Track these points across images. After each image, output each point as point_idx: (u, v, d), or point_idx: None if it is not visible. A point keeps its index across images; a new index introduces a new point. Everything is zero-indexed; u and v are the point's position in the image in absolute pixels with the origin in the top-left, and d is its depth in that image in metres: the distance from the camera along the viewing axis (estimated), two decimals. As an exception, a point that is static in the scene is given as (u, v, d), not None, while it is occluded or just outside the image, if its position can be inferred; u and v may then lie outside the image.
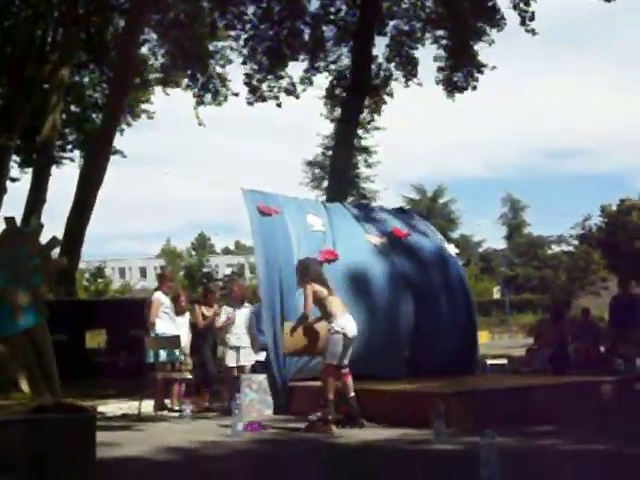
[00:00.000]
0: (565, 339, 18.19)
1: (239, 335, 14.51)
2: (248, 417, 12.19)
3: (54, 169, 30.31)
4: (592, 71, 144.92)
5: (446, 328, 15.37)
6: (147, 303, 14.62)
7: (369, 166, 44.71)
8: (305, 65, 30.27)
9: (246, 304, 15.07)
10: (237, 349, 14.44)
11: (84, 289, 53.13)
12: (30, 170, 29.79)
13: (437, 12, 29.56)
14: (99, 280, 60.07)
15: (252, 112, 34.15)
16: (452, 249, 17.56)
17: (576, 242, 75.46)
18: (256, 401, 13.69)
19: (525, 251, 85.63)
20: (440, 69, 29.87)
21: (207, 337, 14.93)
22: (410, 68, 30.36)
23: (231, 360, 14.41)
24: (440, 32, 29.71)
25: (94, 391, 15.89)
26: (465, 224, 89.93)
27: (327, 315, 11.90)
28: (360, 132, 32.96)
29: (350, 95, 28.42)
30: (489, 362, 17.67)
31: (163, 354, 14.03)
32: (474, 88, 29.59)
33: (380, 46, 30.36)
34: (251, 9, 29.96)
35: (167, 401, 14.33)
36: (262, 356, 15.11)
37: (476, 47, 29.06)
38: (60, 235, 20.96)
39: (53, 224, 20.24)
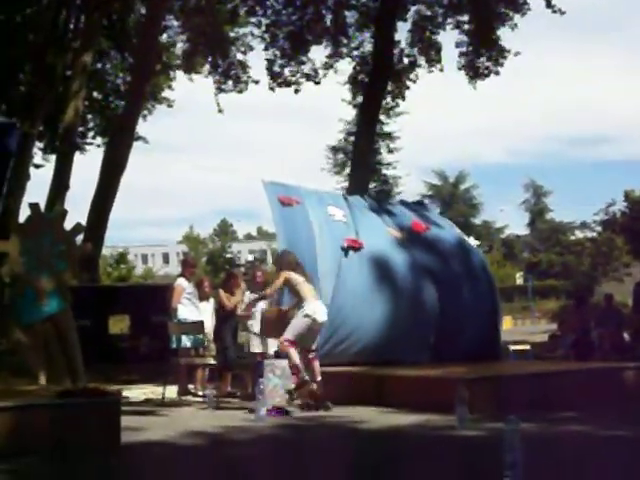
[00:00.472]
0: (588, 325, 18.13)
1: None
2: (271, 402, 12.21)
3: (78, 155, 30.41)
4: (615, 56, 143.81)
5: (470, 315, 15.33)
6: (170, 289, 14.67)
7: (391, 152, 44.60)
8: (328, 51, 30.22)
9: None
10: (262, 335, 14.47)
11: (107, 275, 53.30)
12: (53, 157, 29.89)
13: (459, -3, 29.38)
14: (122, 266, 60.24)
15: (273, 99, 34.22)
16: (472, 241, 17.65)
17: (599, 228, 75.04)
18: (279, 386, 13.70)
19: (547, 237, 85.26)
20: (462, 54, 29.67)
21: (229, 322, 14.95)
22: (433, 53, 30.20)
23: (256, 346, 14.43)
24: (462, 17, 29.54)
25: (117, 376, 15.98)
26: (487, 210, 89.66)
27: (300, 299, 12.50)
28: (383, 117, 32.75)
29: (372, 81, 28.31)
30: (512, 348, 17.62)
31: (186, 340, 14.09)
32: (497, 74, 29.37)
33: (402, 31, 30.25)
34: (273, -5, 29.92)
35: (191, 386, 14.38)
36: None
37: (499, 32, 28.87)
38: (84, 221, 21.06)
39: (77, 210, 20.34)
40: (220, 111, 31.78)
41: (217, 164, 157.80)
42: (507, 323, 38.05)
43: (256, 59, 31.46)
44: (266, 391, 12.07)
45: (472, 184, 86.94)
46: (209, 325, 14.51)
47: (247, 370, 14.53)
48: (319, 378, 12.32)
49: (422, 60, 30.28)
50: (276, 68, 30.06)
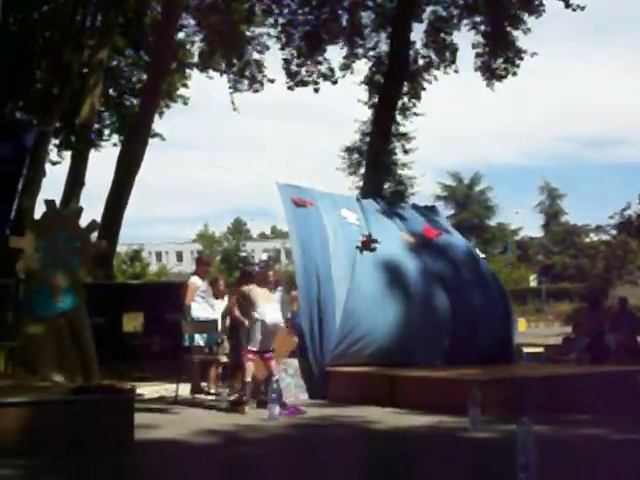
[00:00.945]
0: (602, 328, 18.07)
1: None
2: (285, 401, 12.23)
3: (93, 152, 30.52)
4: (631, 58, 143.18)
5: (482, 320, 15.31)
6: (183, 287, 14.69)
7: (406, 152, 44.37)
8: (344, 52, 30.25)
9: (279, 288, 15.12)
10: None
11: (122, 272, 53.42)
12: (68, 153, 30.01)
13: (475, -2, 29.33)
14: (137, 264, 60.36)
15: (288, 99, 34.30)
16: (478, 253, 17.80)
17: (614, 232, 74.73)
18: (292, 385, 13.77)
19: (562, 239, 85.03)
20: (478, 55, 29.63)
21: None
22: (448, 54, 30.19)
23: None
24: (478, 18, 29.48)
25: (131, 373, 16.00)
26: (502, 212, 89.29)
27: (254, 307, 12.73)
28: (398, 118, 32.72)
29: (388, 81, 28.29)
30: (526, 350, 17.57)
31: (199, 338, 14.11)
32: (514, 74, 29.30)
33: (418, 32, 30.21)
34: (289, -6, 29.95)
35: (204, 384, 14.40)
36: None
37: (515, 33, 28.82)
38: (99, 218, 21.11)
39: (92, 207, 20.36)
40: (235, 109, 31.89)
41: (232, 163, 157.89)
42: (521, 325, 37.91)
43: (272, 58, 31.52)
44: (279, 390, 12.08)
45: (487, 186, 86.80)
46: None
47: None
48: (276, 377, 12.51)
49: (437, 61, 30.30)
50: (293, 67, 30.09)
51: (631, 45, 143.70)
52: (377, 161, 27.89)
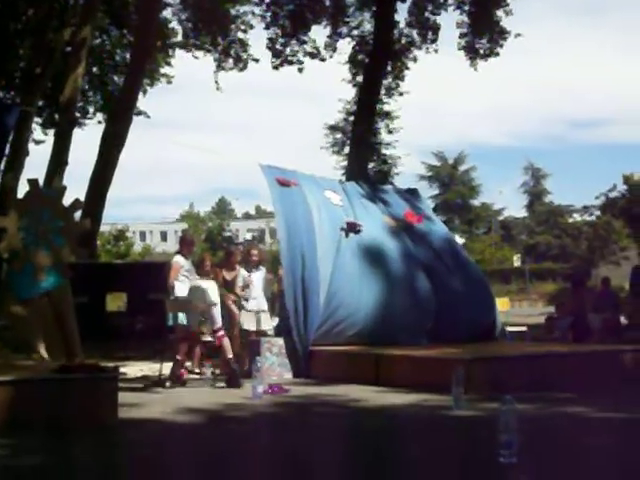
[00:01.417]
0: (585, 308, 18.15)
1: (258, 300, 14.60)
2: (268, 380, 12.26)
3: (77, 132, 30.35)
4: (617, 39, 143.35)
5: (464, 302, 15.37)
6: (167, 266, 14.64)
7: (390, 132, 44.21)
8: (328, 31, 30.18)
9: (260, 267, 15.14)
10: (257, 313, 14.53)
11: (106, 252, 53.23)
12: (52, 132, 29.84)
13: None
14: (121, 243, 60.16)
15: (273, 77, 34.24)
16: (457, 238, 18.05)
17: (599, 212, 74.97)
18: (276, 364, 13.79)
19: (545, 220, 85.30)
20: (462, 35, 29.62)
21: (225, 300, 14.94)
22: (431, 34, 30.14)
23: (250, 324, 14.49)
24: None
25: (114, 353, 15.99)
26: (486, 192, 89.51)
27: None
28: (383, 97, 32.74)
29: (372, 61, 28.25)
30: (509, 329, 17.65)
31: (182, 317, 14.07)
32: (497, 55, 29.34)
33: (402, 12, 30.15)
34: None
35: (188, 364, 14.38)
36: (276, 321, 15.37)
37: (499, 13, 28.80)
38: (82, 197, 21.02)
39: (75, 186, 20.27)
40: (218, 89, 31.79)
41: (217, 142, 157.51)
42: (504, 305, 37.99)
43: (256, 38, 31.42)
44: (263, 369, 12.09)
45: (471, 166, 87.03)
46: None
47: (243, 348, 14.58)
48: (230, 356, 12.84)
49: (419, 40, 30.26)
50: (278, 47, 30.01)
51: (619, 25, 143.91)
52: (361, 140, 27.88)
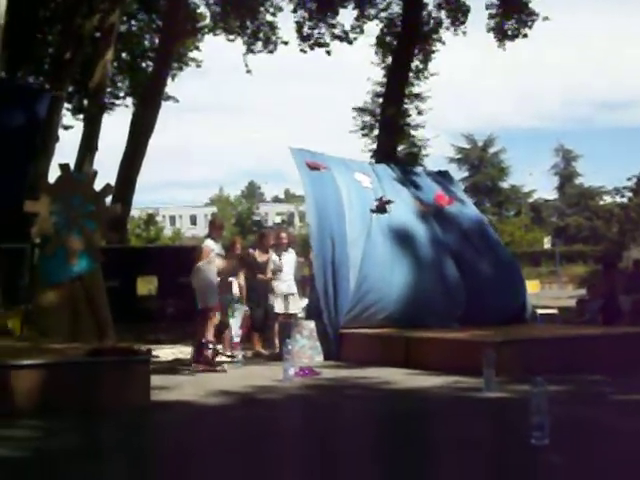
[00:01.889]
0: (616, 290, 18.04)
1: (288, 282, 14.67)
2: (299, 363, 12.29)
3: (106, 117, 30.48)
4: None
5: (494, 287, 15.30)
6: (197, 250, 14.69)
7: (420, 113, 44.05)
8: (356, 13, 30.08)
9: (290, 250, 15.19)
10: (286, 297, 14.60)
11: (136, 236, 53.47)
12: (82, 117, 29.97)
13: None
14: (151, 228, 60.37)
15: (302, 59, 34.17)
16: (488, 220, 17.96)
17: (630, 194, 74.30)
18: (307, 347, 13.82)
19: (576, 202, 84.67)
20: (491, 16, 29.43)
21: (257, 283, 14.98)
22: (460, 15, 29.97)
23: (279, 307, 14.55)
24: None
25: (145, 336, 16.09)
26: (515, 174, 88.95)
27: None
28: (412, 79, 32.69)
29: (401, 43, 28.14)
30: (540, 312, 17.58)
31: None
32: (525, 36, 29.13)
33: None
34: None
35: (219, 346, 14.45)
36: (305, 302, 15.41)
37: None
38: (113, 182, 21.14)
39: (106, 171, 20.38)
40: (248, 72, 31.77)
41: (246, 126, 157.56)
42: (534, 287, 37.87)
43: (284, 21, 31.37)
44: (294, 352, 12.13)
45: (500, 148, 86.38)
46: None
47: (273, 331, 14.65)
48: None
49: (448, 22, 30.12)
50: (305, 30, 29.96)
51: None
52: (391, 123, 27.80)
